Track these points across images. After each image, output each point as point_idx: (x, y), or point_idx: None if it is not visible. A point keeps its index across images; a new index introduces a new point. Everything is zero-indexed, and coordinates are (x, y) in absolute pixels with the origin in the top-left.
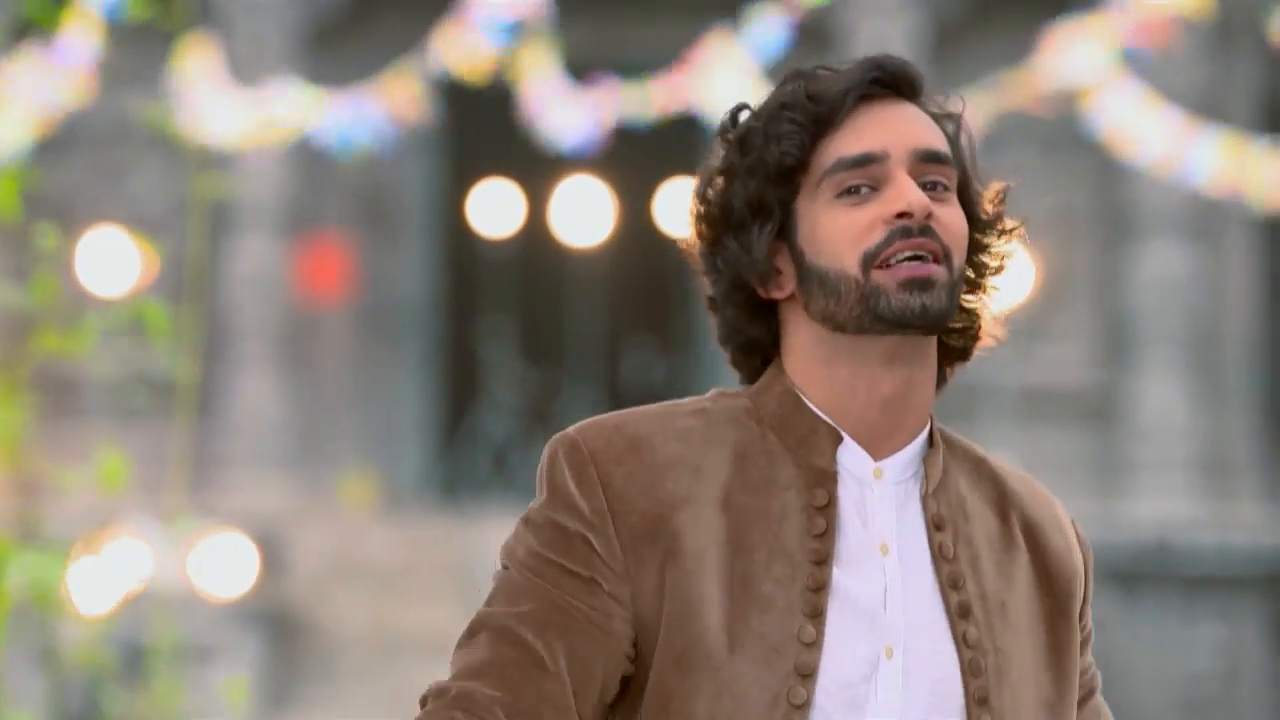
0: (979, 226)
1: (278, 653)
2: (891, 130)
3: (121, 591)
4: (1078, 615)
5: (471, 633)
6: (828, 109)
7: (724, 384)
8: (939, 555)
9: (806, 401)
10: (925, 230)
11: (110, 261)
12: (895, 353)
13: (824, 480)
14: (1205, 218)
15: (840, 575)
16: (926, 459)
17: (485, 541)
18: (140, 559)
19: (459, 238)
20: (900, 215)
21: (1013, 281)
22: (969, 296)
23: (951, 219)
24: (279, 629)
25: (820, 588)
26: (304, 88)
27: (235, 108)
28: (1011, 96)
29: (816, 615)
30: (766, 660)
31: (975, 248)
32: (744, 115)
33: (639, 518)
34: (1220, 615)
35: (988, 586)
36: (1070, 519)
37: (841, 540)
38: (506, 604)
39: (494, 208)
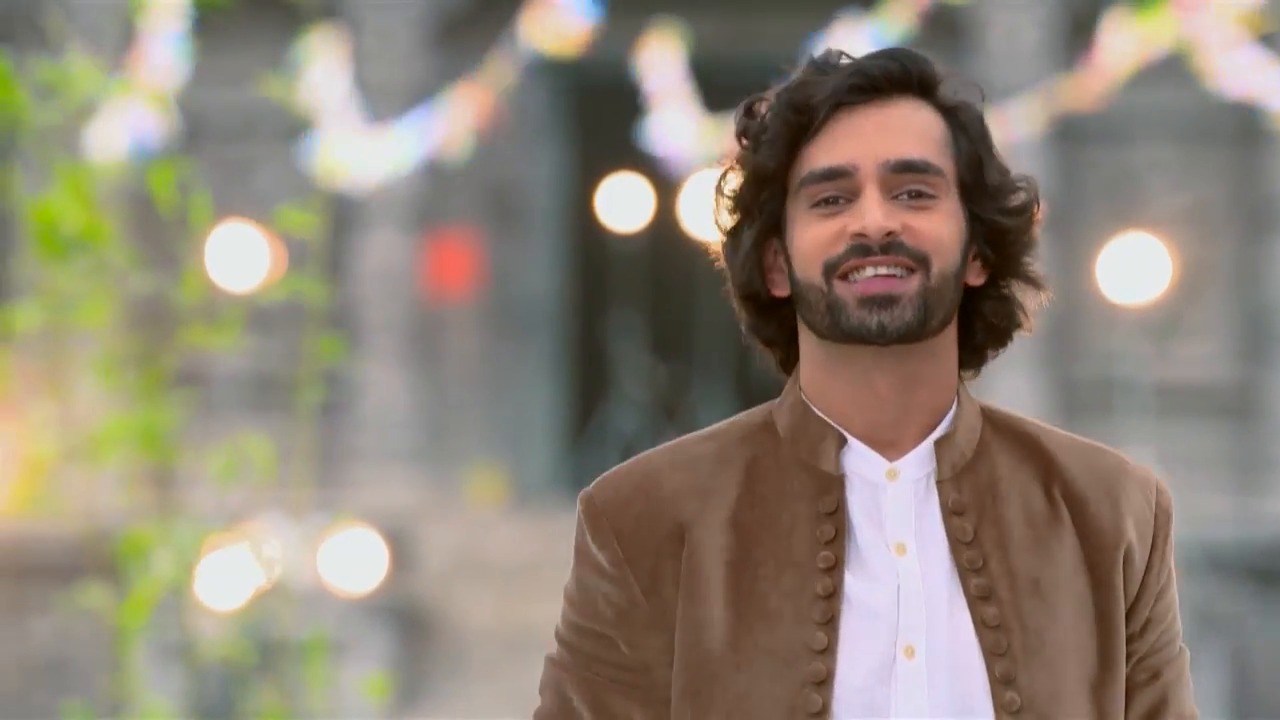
0: (996, 216)
1: (406, 649)
2: (863, 142)
3: (253, 586)
4: (1121, 584)
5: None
6: (806, 118)
7: None
8: (956, 541)
9: (814, 409)
10: (887, 248)
11: (240, 257)
12: (882, 356)
13: (831, 485)
14: None
15: (851, 581)
16: (939, 445)
17: None
18: (272, 554)
19: (587, 232)
20: (858, 234)
21: (1147, 276)
22: (992, 288)
23: (930, 227)
24: (407, 625)
25: (831, 594)
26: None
27: (355, 141)
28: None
29: (828, 622)
30: (776, 674)
31: (996, 238)
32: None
33: (652, 559)
34: None
35: (1017, 565)
36: (1151, 485)
37: (852, 545)
38: (553, 693)
39: (622, 202)
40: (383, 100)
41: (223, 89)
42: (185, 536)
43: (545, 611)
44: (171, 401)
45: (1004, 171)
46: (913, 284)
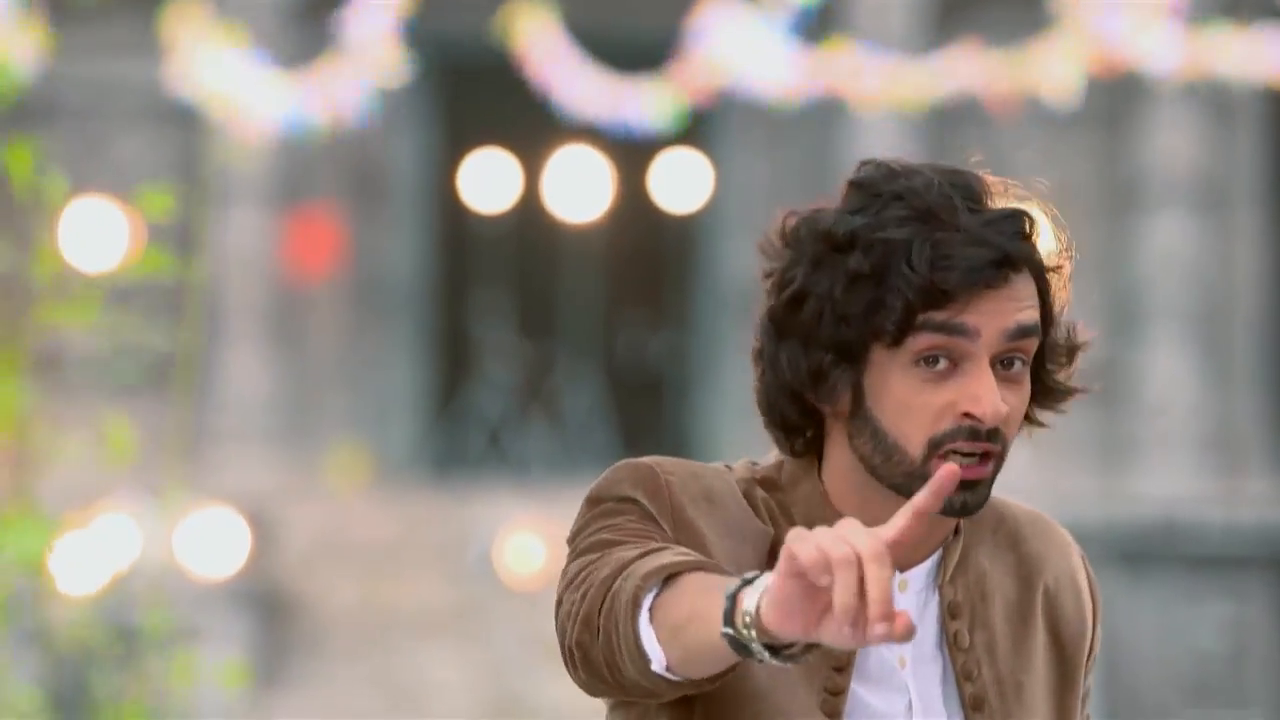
0: (1053, 386)
1: (267, 632)
2: (991, 309)
3: (110, 570)
4: (1082, 675)
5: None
6: (944, 294)
7: (721, 364)
8: (954, 645)
9: (836, 510)
10: (992, 435)
11: (96, 233)
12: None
13: None
14: (1213, 190)
15: (861, 690)
16: (947, 546)
17: (477, 519)
18: (129, 537)
19: (452, 211)
20: (972, 417)
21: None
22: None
23: (1016, 409)
24: (268, 608)
25: (839, 692)
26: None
27: (224, 75)
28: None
29: (834, 716)
30: None
31: (1045, 399)
32: (857, 212)
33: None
34: (1227, 594)
35: (1003, 669)
36: (1082, 557)
37: (863, 657)
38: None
39: (487, 180)
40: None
41: (80, 63)
42: (38, 520)
43: (409, 593)
44: (25, 381)
45: (1068, 331)
46: (990, 468)
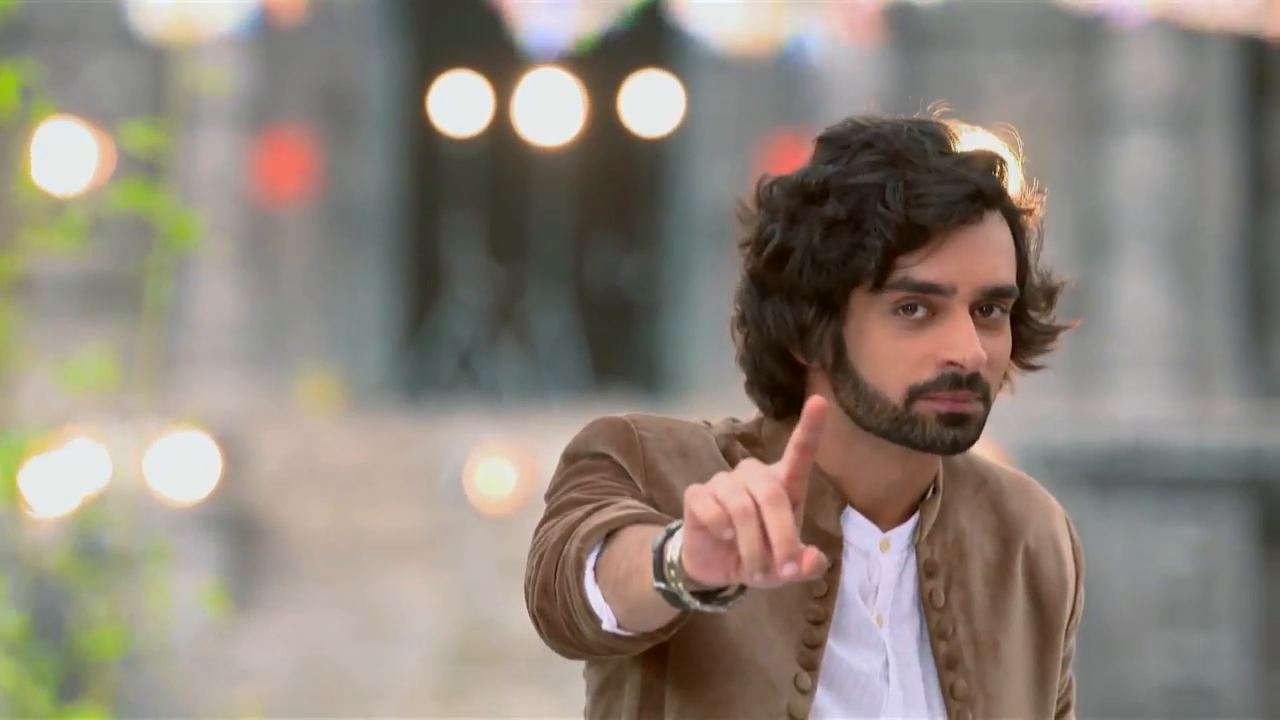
0: (1033, 329)
1: (238, 555)
2: (966, 264)
3: (80, 493)
4: (1063, 637)
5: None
6: (920, 233)
7: (692, 287)
8: (929, 604)
9: (816, 463)
10: (973, 380)
11: (68, 157)
12: (912, 454)
13: (828, 545)
14: (1183, 113)
15: (837, 647)
16: (923, 505)
17: (448, 442)
18: (98, 459)
19: (422, 134)
20: (953, 364)
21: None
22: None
23: (997, 353)
24: (239, 531)
25: (816, 645)
26: None
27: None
28: None
29: (811, 668)
30: (761, 694)
31: (1026, 345)
32: (828, 160)
33: (674, 513)
34: (1196, 517)
35: (979, 629)
36: (1066, 521)
37: (842, 614)
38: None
39: (458, 103)
40: None
41: None
42: (9, 443)
43: (380, 516)
44: (10, 306)
45: (1042, 276)
46: (979, 408)
